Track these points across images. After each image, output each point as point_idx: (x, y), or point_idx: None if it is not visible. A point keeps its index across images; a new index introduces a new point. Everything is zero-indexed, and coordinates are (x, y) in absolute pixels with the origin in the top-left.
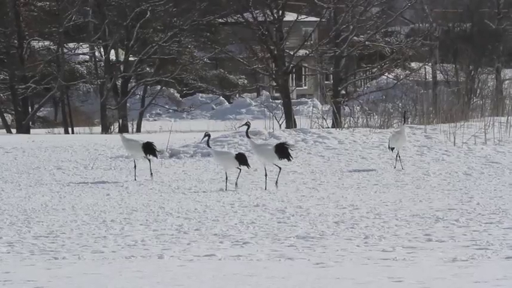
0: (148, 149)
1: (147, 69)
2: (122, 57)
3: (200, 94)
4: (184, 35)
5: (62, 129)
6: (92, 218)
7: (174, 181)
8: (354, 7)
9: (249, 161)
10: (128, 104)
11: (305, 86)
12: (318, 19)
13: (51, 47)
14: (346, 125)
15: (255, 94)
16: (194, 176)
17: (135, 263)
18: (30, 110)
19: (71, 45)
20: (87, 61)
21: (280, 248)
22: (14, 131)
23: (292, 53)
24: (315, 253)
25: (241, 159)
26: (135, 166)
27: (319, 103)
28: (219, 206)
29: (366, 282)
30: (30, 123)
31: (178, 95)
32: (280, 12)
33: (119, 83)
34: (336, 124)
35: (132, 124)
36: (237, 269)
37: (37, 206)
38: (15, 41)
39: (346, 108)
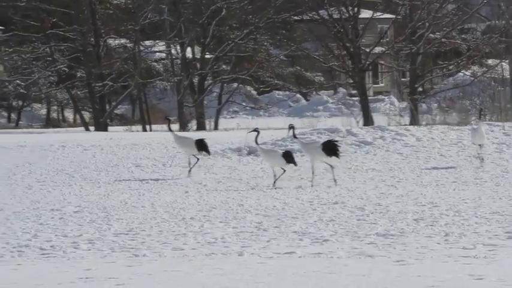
0: (201, 145)
1: (224, 66)
2: (198, 55)
3: (277, 91)
4: (260, 32)
5: (139, 127)
6: (171, 216)
7: (252, 178)
8: (429, 4)
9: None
10: (205, 102)
11: (381, 83)
12: (394, 16)
13: (128, 45)
14: (423, 122)
15: (332, 91)
16: (272, 173)
17: (215, 260)
18: (107, 107)
19: (147, 43)
20: (163, 59)
21: (360, 245)
22: (92, 128)
23: (368, 50)
24: (395, 250)
25: (288, 157)
26: (189, 163)
27: (396, 100)
28: (297, 204)
29: (446, 279)
30: (108, 120)
31: (255, 93)
32: (356, 9)
33: (195, 80)
34: (414, 121)
35: (209, 122)
36: (317, 266)
37: (116, 204)
38: (92, 39)
39: (424, 106)
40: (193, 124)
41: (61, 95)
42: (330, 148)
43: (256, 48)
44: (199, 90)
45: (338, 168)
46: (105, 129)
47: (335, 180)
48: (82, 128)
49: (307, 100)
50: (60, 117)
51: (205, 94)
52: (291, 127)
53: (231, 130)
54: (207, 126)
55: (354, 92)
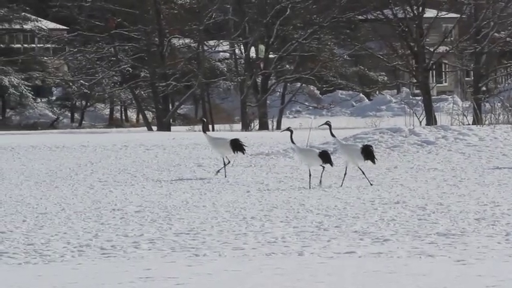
0: (236, 145)
1: (287, 66)
2: (262, 55)
3: (340, 91)
4: (324, 32)
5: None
6: (232, 215)
7: (313, 178)
8: (494, 3)
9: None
10: (267, 101)
11: (445, 82)
12: (458, 15)
13: (192, 45)
14: (487, 122)
15: (395, 91)
16: (334, 173)
17: (275, 260)
18: (170, 107)
19: (211, 42)
20: (227, 58)
21: (420, 245)
22: (154, 128)
23: (432, 50)
24: (455, 250)
25: (325, 157)
26: (225, 164)
27: (459, 100)
28: (359, 203)
29: (507, 279)
30: (171, 120)
31: (318, 92)
32: (421, 8)
33: (259, 80)
34: (477, 121)
35: (272, 121)
36: (377, 266)
37: (178, 203)
38: (156, 39)
39: (487, 105)
40: (255, 124)
41: (124, 95)
42: (369, 153)
43: (320, 48)
44: (263, 89)
45: (400, 168)
46: (168, 129)
47: (370, 182)
48: (145, 128)
49: (370, 100)
50: (123, 117)
51: (268, 94)
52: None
53: (294, 130)
54: (270, 126)
55: (417, 91)
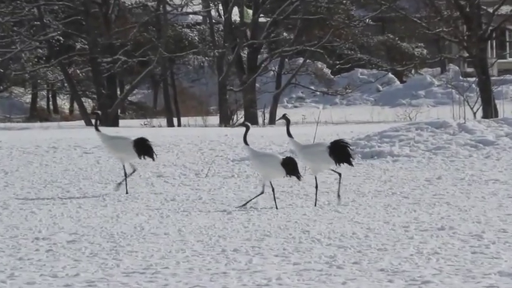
0: (143, 147)
1: (285, 34)
2: (248, 18)
3: (360, 70)
4: None
5: (163, 120)
6: (206, 247)
7: (322, 194)
8: None
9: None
10: (257, 85)
11: (510, 57)
12: None
13: (149, 4)
14: None
15: (438, 69)
16: (351, 186)
17: None
18: (118, 92)
19: (177, 1)
20: (199, 24)
21: None
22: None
23: (491, 11)
24: None
25: (290, 165)
26: (125, 174)
27: None
28: (387, 230)
29: None
30: (119, 111)
31: (328, 71)
32: None
33: (244, 54)
34: None
35: (263, 113)
36: None
37: (129, 230)
38: None
39: None
40: (239, 116)
41: (53, 75)
42: (340, 151)
43: (331, 9)
44: (250, 67)
45: (445, 179)
46: (115, 124)
47: (339, 196)
48: (82, 122)
49: (402, 82)
50: (51, 107)
51: (258, 73)
52: (286, 119)
53: (294, 125)
54: (260, 119)
55: (470, 70)
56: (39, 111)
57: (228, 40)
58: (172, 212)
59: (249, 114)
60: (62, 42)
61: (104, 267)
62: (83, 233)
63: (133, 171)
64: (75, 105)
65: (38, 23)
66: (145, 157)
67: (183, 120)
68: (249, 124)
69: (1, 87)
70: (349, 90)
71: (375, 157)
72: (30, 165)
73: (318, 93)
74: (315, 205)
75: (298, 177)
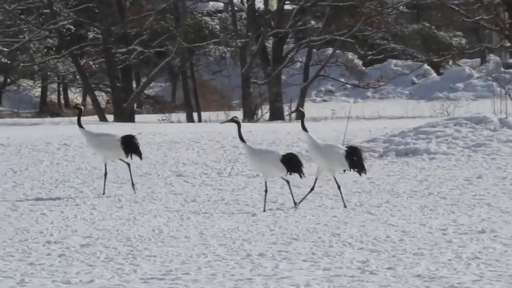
0: (130, 145)
1: (312, 23)
2: (273, 6)
3: (394, 61)
4: None
5: (182, 116)
6: (230, 251)
7: (354, 194)
8: None
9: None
10: (283, 77)
11: None
12: None
13: None
14: None
15: (478, 60)
16: (385, 186)
17: None
18: (134, 86)
19: None
20: (220, 11)
21: None
22: (110, 117)
23: None
24: None
25: (291, 162)
26: (105, 174)
27: None
28: (423, 233)
29: None
30: (135, 106)
31: (360, 63)
32: None
33: (269, 44)
34: None
35: (290, 107)
36: None
37: (147, 233)
38: None
39: None
40: (264, 111)
41: (64, 67)
42: (355, 158)
43: None
44: (275, 58)
45: (486, 179)
46: (131, 119)
47: (295, 204)
48: (95, 117)
49: (439, 74)
50: (62, 101)
51: (283, 65)
52: (301, 112)
53: (323, 120)
54: (286, 114)
55: None
56: (50, 106)
57: (251, 29)
58: (193, 214)
59: (274, 108)
60: (73, 31)
61: (120, 272)
62: (97, 236)
63: (105, 175)
64: (88, 99)
65: (48, 10)
66: (133, 155)
67: (204, 115)
68: (239, 119)
69: (9, 80)
70: (382, 83)
71: (410, 155)
72: (41, 164)
73: (349, 86)
74: (345, 206)
75: (300, 175)
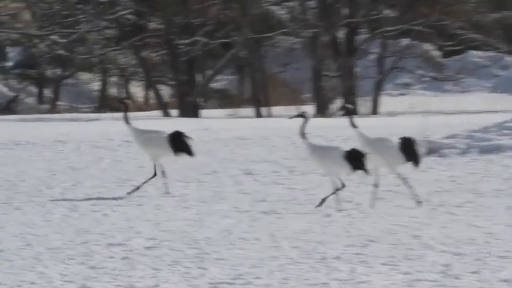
0: (179, 142)
1: (387, 12)
2: None
3: (474, 52)
4: None
5: (250, 110)
6: (303, 254)
7: (434, 193)
8: None
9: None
10: (356, 69)
11: None
12: None
13: None
14: None
15: None
16: (467, 185)
17: None
18: (199, 79)
19: None
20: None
21: None
22: (174, 112)
23: None
24: None
25: (355, 158)
26: (155, 174)
27: None
28: (510, 234)
29: None
30: (200, 100)
31: (439, 54)
32: None
33: (341, 35)
34: None
35: (364, 102)
36: None
37: (215, 235)
38: None
39: None
40: (337, 105)
41: (124, 59)
42: (410, 149)
43: None
44: (348, 50)
45: None
46: (195, 114)
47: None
48: (158, 113)
49: None
50: (123, 95)
51: (356, 57)
52: (349, 109)
53: (400, 115)
54: (360, 109)
55: None
56: (110, 100)
57: (322, 19)
58: (264, 215)
59: (348, 102)
60: (133, 21)
61: (187, 276)
62: (162, 238)
63: (163, 174)
64: (151, 94)
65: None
66: (182, 154)
67: (274, 109)
68: (307, 114)
69: (66, 73)
70: (462, 76)
71: (494, 152)
72: (101, 161)
73: (427, 79)
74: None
75: (366, 172)
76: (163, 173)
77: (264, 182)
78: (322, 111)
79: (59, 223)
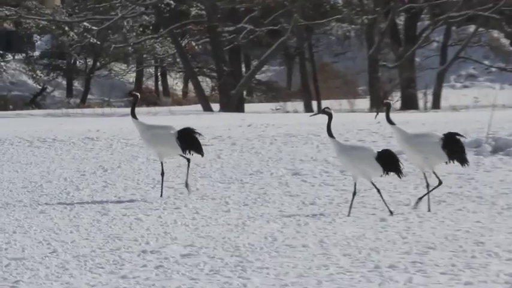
0: (189, 140)
1: None
2: None
3: None
4: None
5: (300, 104)
6: (355, 262)
7: (500, 195)
8: None
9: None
10: (417, 59)
11: None
12: None
13: None
14: None
15: None
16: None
17: None
18: (244, 70)
19: None
20: None
21: None
22: (215, 107)
23: None
24: None
25: (388, 161)
26: (162, 173)
27: None
28: None
29: None
30: (245, 93)
31: (507, 42)
32: None
33: (400, 21)
34: None
35: (425, 94)
36: None
37: (258, 241)
38: None
39: None
40: (395, 99)
41: (162, 49)
42: (454, 146)
43: None
44: (408, 38)
45: None
46: (240, 109)
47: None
48: (198, 107)
49: None
50: (160, 88)
51: (417, 45)
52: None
53: (464, 110)
54: (421, 103)
55: None
56: (146, 93)
57: (379, 4)
58: (312, 219)
59: (407, 96)
60: (173, 7)
61: (228, 287)
62: (200, 244)
63: (188, 171)
64: (190, 86)
65: None
66: (192, 152)
67: (325, 103)
68: (331, 111)
69: (98, 64)
70: None
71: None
72: (135, 161)
73: (494, 69)
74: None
75: (399, 175)
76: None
77: (312, 183)
78: (377, 105)
79: (88, 228)
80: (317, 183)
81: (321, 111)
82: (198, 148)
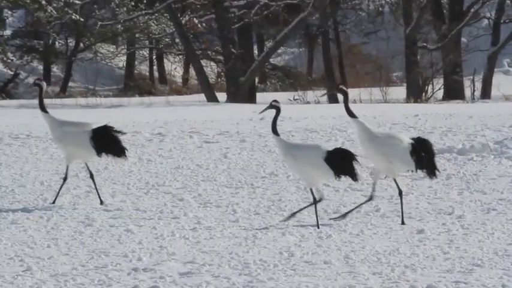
0: (106, 140)
1: None
2: None
3: None
4: None
5: (321, 94)
6: (386, 282)
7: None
8: None
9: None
10: (463, 40)
11: None
12: None
13: None
14: None
15: None
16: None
17: None
18: (256, 53)
19: None
20: None
21: None
22: (221, 96)
23: None
24: None
25: (340, 162)
26: (65, 178)
27: None
28: None
29: None
30: (257, 80)
31: None
32: None
33: None
34: None
35: (473, 81)
36: None
37: (271, 257)
38: None
39: None
40: (437, 86)
41: (158, 27)
42: (424, 153)
43: None
44: (452, 14)
45: None
46: (251, 99)
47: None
48: (201, 96)
49: None
50: (155, 74)
51: (464, 23)
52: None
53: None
54: (467, 91)
55: None
56: (139, 81)
57: None
58: (336, 230)
59: (451, 83)
60: None
61: None
62: (203, 261)
63: (92, 177)
64: (192, 72)
65: None
66: (108, 155)
67: (352, 92)
68: (279, 104)
69: (82, 45)
70: None
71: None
72: (125, 161)
73: None
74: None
75: (354, 178)
76: (92, 175)
77: (336, 187)
78: (416, 94)
79: (68, 242)
80: (342, 187)
81: (270, 105)
82: (117, 150)
